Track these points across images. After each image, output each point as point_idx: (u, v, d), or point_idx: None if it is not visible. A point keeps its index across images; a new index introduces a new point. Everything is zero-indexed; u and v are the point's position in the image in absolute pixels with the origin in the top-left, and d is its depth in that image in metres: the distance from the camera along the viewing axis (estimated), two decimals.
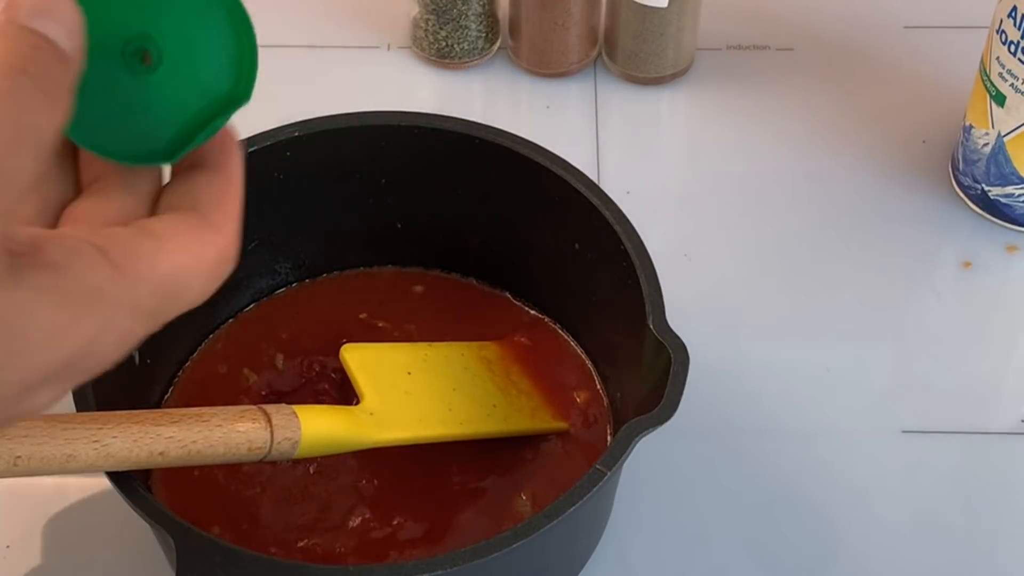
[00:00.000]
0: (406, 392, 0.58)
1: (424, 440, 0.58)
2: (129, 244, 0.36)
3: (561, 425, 0.61)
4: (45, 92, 0.33)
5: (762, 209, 0.74)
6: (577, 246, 0.61)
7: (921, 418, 0.66)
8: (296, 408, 0.52)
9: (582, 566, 0.60)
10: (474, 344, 0.63)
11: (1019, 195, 0.71)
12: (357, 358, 0.59)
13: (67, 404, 0.51)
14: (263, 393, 0.62)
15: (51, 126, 0.34)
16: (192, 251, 0.37)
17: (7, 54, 0.33)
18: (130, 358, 0.58)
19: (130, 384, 0.58)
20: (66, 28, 0.34)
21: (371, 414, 0.56)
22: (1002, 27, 0.67)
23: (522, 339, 0.65)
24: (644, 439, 0.51)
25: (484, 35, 0.79)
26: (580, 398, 0.63)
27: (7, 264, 0.32)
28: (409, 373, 0.60)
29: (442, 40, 0.79)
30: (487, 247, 0.66)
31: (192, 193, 0.39)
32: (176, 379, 0.63)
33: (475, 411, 0.60)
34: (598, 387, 0.63)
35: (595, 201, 0.58)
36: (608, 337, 0.62)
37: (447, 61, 0.80)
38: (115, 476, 0.49)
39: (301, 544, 0.57)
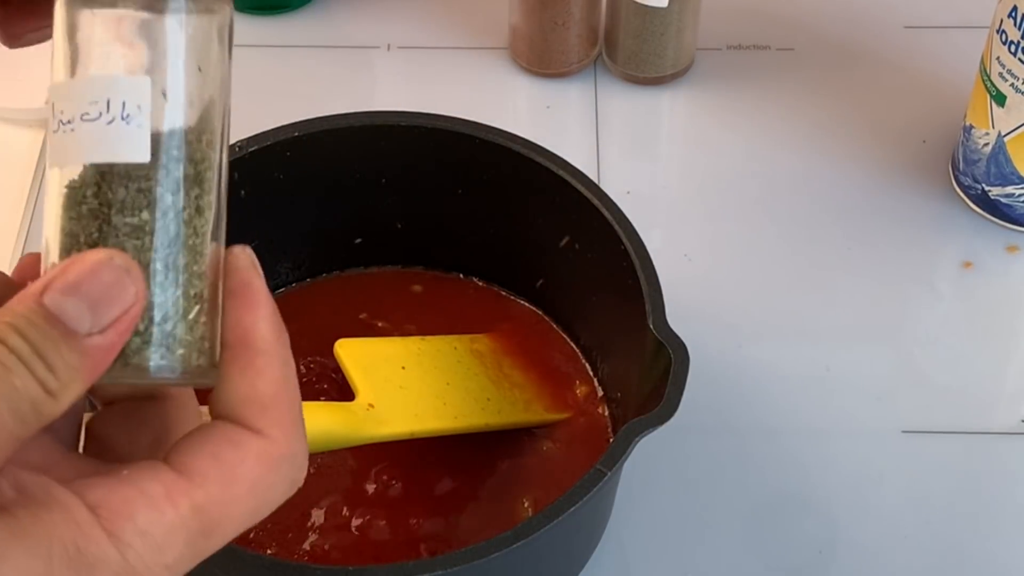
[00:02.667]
0: (400, 387, 0.59)
1: (420, 435, 0.58)
2: (123, 500, 0.32)
3: (556, 417, 0.61)
4: (30, 361, 0.31)
5: (762, 209, 0.74)
6: (577, 246, 0.61)
7: (921, 418, 0.66)
8: None
9: (582, 566, 0.60)
10: (466, 337, 0.63)
11: (1019, 195, 0.71)
12: (351, 353, 0.59)
13: None
14: None
15: (32, 392, 0.31)
16: (224, 480, 0.33)
17: (7, 319, 0.31)
18: None
19: None
20: (90, 309, 0.32)
21: (367, 409, 0.56)
22: (1002, 27, 0.67)
23: (519, 335, 0.65)
24: (644, 439, 0.51)
25: None
26: (578, 393, 0.63)
27: None
28: (403, 368, 0.60)
29: None
30: (487, 247, 0.66)
31: (220, 396, 0.35)
32: None
33: (469, 404, 0.60)
34: (596, 385, 0.63)
35: (595, 201, 0.58)
36: (608, 337, 0.62)
37: None
38: None
39: (301, 544, 0.57)
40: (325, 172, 0.63)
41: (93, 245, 0.34)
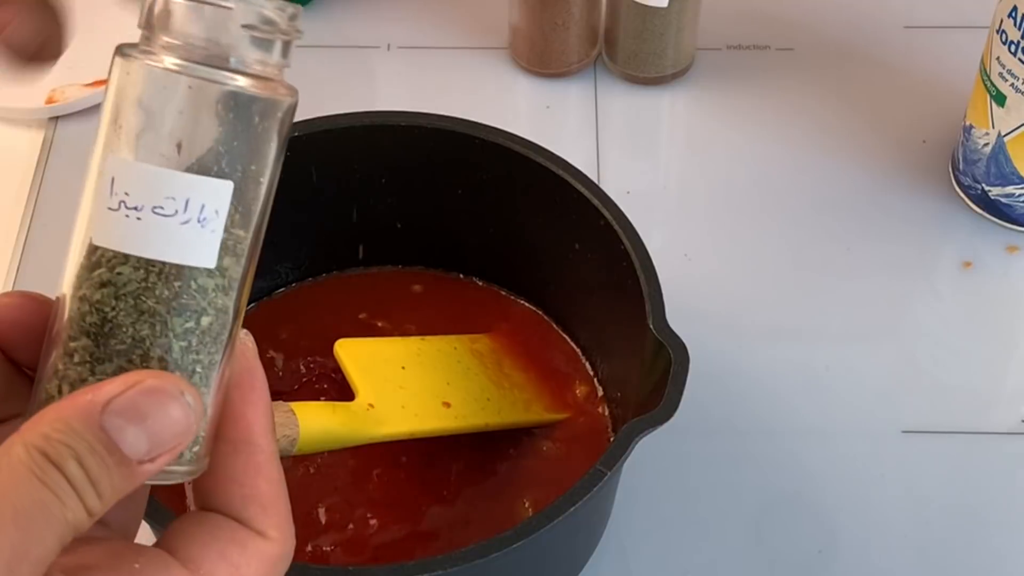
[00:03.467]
0: (400, 387, 0.59)
1: (420, 435, 0.58)
2: None
3: (556, 417, 0.61)
4: (84, 490, 0.30)
5: (762, 209, 0.74)
6: (577, 246, 0.61)
7: (921, 418, 0.66)
8: (293, 405, 0.52)
9: (582, 566, 0.60)
10: (466, 337, 0.63)
11: (1019, 195, 0.71)
12: (351, 353, 0.59)
13: None
14: None
15: (80, 520, 0.30)
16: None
17: (66, 439, 0.30)
18: None
19: None
20: (149, 440, 0.31)
21: (367, 409, 0.56)
22: (1002, 27, 0.67)
23: (519, 335, 0.65)
24: (644, 439, 0.51)
25: None
26: (578, 393, 0.63)
27: None
28: (403, 368, 0.60)
29: None
30: (487, 247, 0.66)
31: (213, 495, 0.34)
32: None
33: (470, 404, 0.60)
34: (596, 385, 0.63)
35: (595, 201, 0.58)
36: (608, 337, 0.62)
37: None
38: None
39: (302, 544, 0.57)
40: (325, 172, 0.63)
41: (140, 341, 0.32)
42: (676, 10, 0.76)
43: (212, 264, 0.32)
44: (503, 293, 0.67)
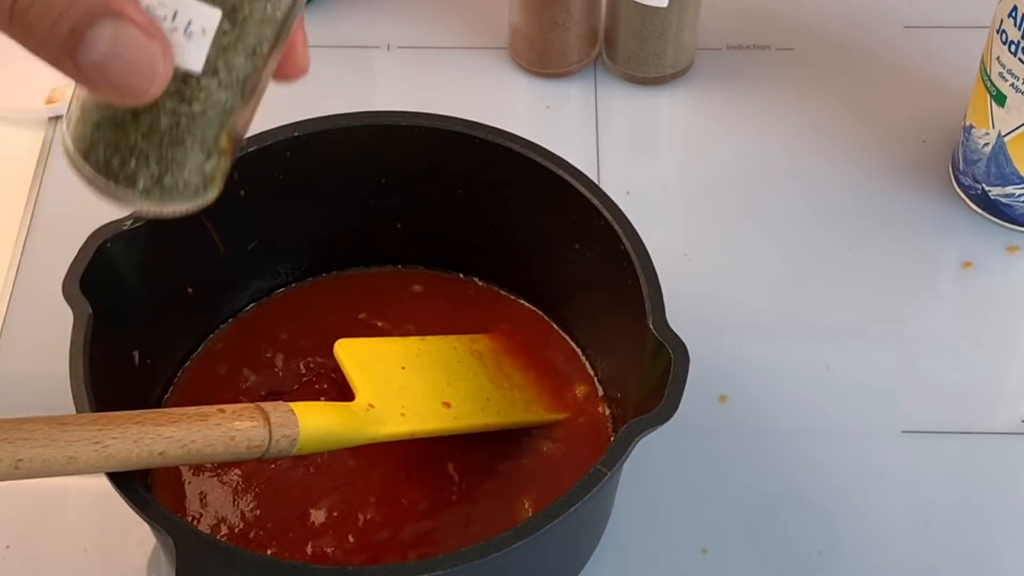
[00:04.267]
0: (400, 387, 0.59)
1: (420, 435, 0.58)
2: None
3: (556, 417, 0.62)
4: None
5: (762, 209, 0.74)
6: (577, 246, 0.61)
7: (921, 418, 0.66)
8: (293, 405, 0.52)
9: (582, 566, 0.60)
10: (465, 337, 0.63)
11: (1019, 195, 0.71)
12: (351, 353, 0.59)
13: (67, 405, 0.51)
14: (262, 393, 0.62)
15: None
16: None
17: None
18: (130, 358, 0.59)
19: (130, 384, 0.58)
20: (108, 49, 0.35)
21: (367, 409, 0.56)
22: (1002, 27, 0.67)
23: (519, 335, 0.65)
24: (644, 439, 0.51)
25: None
26: (578, 393, 0.63)
27: None
28: (403, 368, 0.60)
29: None
30: (487, 247, 0.66)
31: None
32: (176, 379, 0.63)
33: (470, 405, 0.60)
34: (596, 385, 0.63)
35: (595, 201, 0.58)
36: (608, 337, 0.62)
37: None
38: (115, 476, 0.49)
39: (301, 544, 0.57)
40: (325, 172, 0.63)
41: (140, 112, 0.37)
42: (676, 10, 0.76)
43: (198, 70, 0.37)
44: (503, 293, 0.67)
